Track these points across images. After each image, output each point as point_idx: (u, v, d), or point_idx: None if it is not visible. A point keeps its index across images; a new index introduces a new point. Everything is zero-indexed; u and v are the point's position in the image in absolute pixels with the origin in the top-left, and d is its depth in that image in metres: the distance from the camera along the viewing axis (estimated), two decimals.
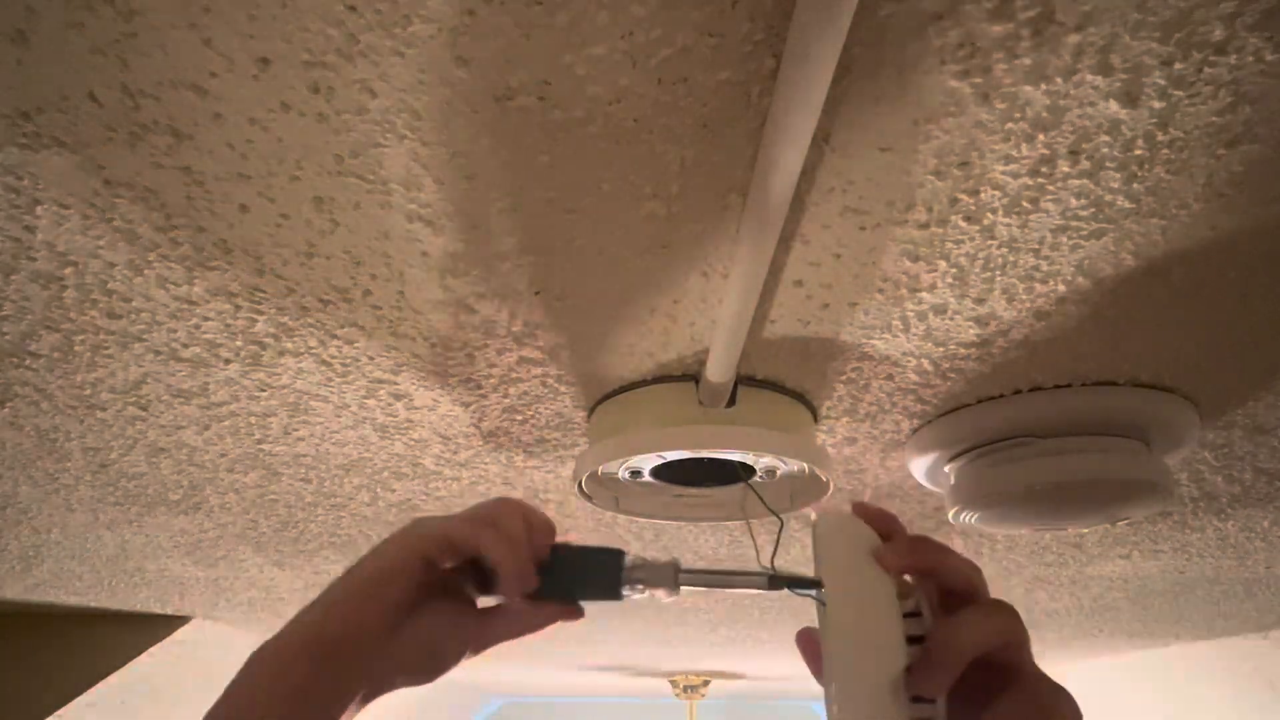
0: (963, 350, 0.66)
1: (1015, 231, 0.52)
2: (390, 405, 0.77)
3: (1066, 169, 0.46)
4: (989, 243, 0.53)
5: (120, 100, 0.42)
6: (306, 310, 0.62)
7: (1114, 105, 0.41)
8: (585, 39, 0.38)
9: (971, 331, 0.64)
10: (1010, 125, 0.43)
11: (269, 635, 0.40)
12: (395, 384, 0.73)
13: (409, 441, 0.86)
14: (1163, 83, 0.40)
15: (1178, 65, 0.39)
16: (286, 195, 0.49)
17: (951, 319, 0.62)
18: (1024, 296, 0.59)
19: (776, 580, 0.44)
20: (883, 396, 0.75)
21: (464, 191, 0.48)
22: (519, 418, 0.80)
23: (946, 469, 0.82)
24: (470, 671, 2.91)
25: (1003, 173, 0.47)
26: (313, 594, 0.42)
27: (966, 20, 0.37)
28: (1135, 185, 0.47)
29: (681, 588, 0.46)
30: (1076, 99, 0.41)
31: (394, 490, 1.02)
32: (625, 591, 0.46)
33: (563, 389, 0.74)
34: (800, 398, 0.75)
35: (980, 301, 0.59)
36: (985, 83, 0.40)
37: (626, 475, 0.78)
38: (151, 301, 0.60)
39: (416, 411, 0.79)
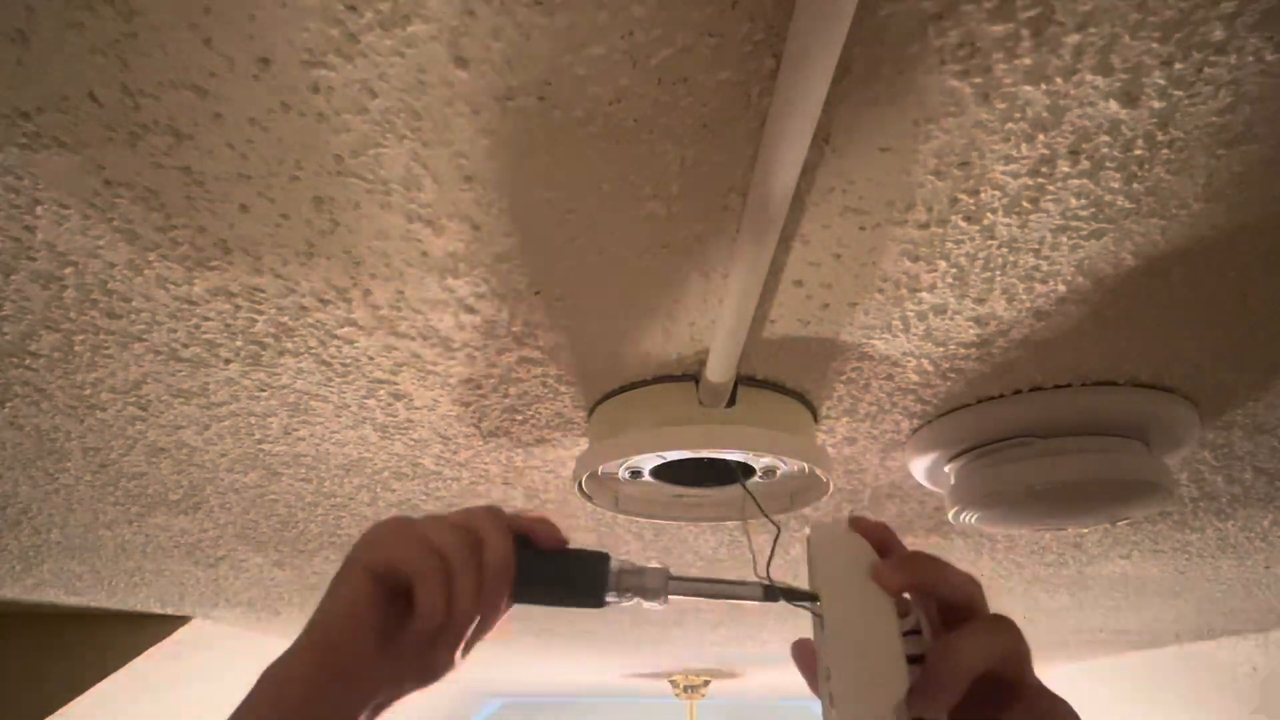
0: (963, 350, 0.66)
1: (1015, 231, 0.52)
2: (390, 405, 0.78)
3: (1066, 169, 0.46)
4: (989, 243, 0.53)
5: (120, 100, 0.42)
6: (306, 310, 0.62)
7: (1114, 105, 0.41)
8: (585, 39, 0.38)
9: (971, 331, 0.64)
10: (1010, 125, 0.43)
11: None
12: (395, 384, 0.73)
13: (409, 441, 0.86)
14: (1163, 83, 0.40)
15: (1178, 65, 0.39)
16: (286, 195, 0.49)
17: (951, 319, 0.62)
18: (1024, 296, 0.59)
19: (772, 592, 0.43)
20: (883, 396, 0.75)
21: (464, 191, 0.48)
22: (519, 418, 0.80)
23: (946, 469, 0.82)
24: (470, 671, 2.91)
25: (1003, 173, 0.47)
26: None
27: (966, 20, 0.37)
28: (1135, 185, 0.47)
29: (672, 597, 0.44)
30: (1076, 99, 0.41)
31: (394, 490, 1.02)
32: (610, 598, 0.43)
33: (563, 389, 0.74)
34: (800, 398, 0.75)
35: (980, 301, 0.59)
36: (985, 83, 0.40)
37: (626, 475, 0.78)
38: (151, 301, 0.60)
39: (416, 411, 0.79)
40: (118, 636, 1.79)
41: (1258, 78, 0.39)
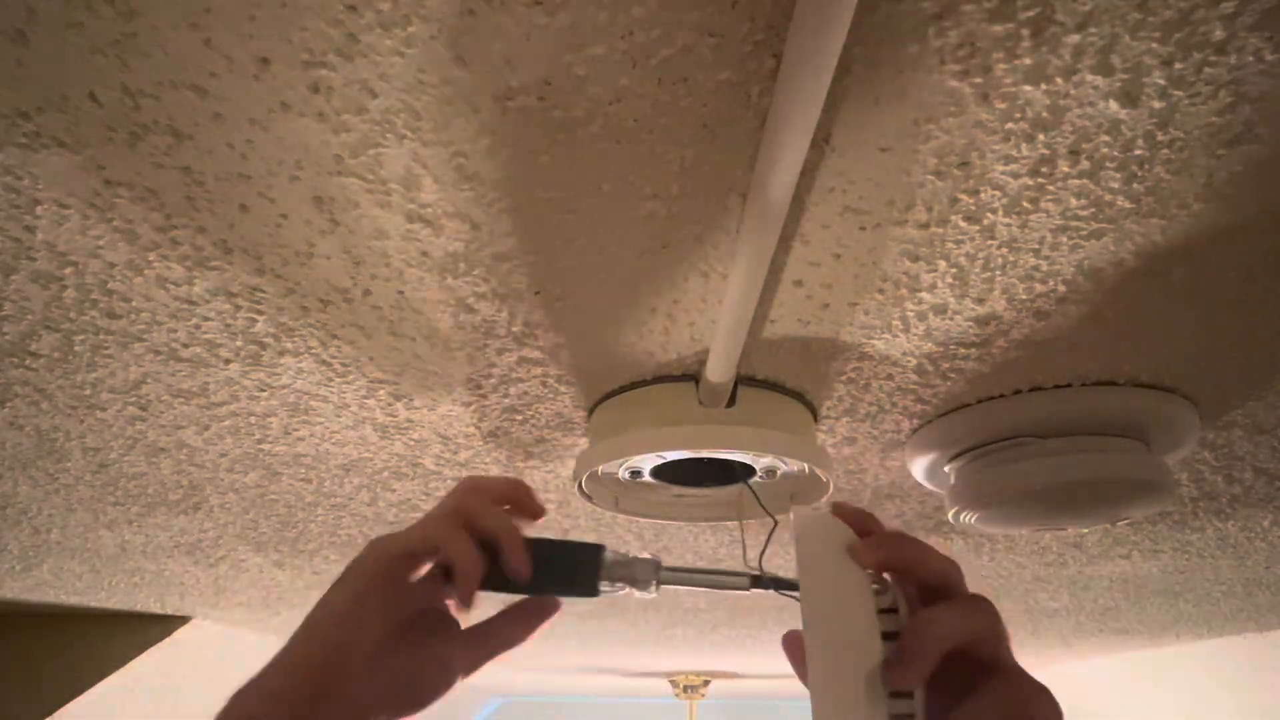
0: (963, 350, 0.66)
1: (1015, 231, 0.52)
2: (390, 405, 0.77)
3: (1066, 169, 0.46)
4: (989, 243, 0.53)
5: (120, 100, 0.42)
6: (306, 310, 0.62)
7: (1114, 105, 0.41)
8: (585, 39, 0.38)
9: (971, 331, 0.64)
10: (1010, 125, 0.43)
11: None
12: (395, 384, 0.73)
13: (409, 441, 0.86)
14: (1163, 83, 0.40)
15: (1178, 65, 0.39)
16: (286, 195, 0.49)
17: (951, 319, 0.62)
18: (1024, 296, 0.59)
19: (760, 581, 0.44)
20: (883, 396, 0.75)
21: (464, 191, 0.48)
22: (519, 418, 0.80)
23: (946, 469, 0.82)
24: None
25: (1003, 173, 0.47)
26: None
27: (966, 20, 0.37)
28: (1135, 185, 0.47)
29: (663, 586, 0.45)
30: (1076, 99, 0.41)
31: (394, 490, 1.02)
32: (604, 588, 0.45)
33: (563, 389, 0.74)
34: (800, 398, 0.75)
35: (980, 301, 0.59)
36: (985, 83, 0.40)
37: (626, 475, 0.78)
38: (151, 301, 0.60)
39: (416, 411, 0.79)
40: (118, 636, 1.79)
41: (1258, 78, 0.39)
